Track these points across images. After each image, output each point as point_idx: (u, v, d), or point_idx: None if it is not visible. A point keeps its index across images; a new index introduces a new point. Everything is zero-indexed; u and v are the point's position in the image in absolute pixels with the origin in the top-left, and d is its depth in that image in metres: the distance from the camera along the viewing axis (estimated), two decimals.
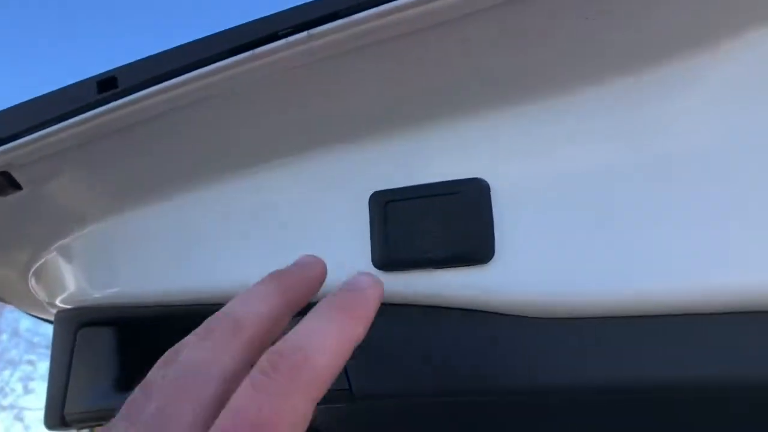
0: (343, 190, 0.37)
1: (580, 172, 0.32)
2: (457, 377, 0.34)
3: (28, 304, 0.61)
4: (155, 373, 0.25)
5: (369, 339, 0.26)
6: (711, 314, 0.29)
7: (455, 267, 0.33)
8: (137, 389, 0.25)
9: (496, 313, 0.33)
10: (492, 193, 0.33)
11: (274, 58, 0.33)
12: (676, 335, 0.30)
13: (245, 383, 0.22)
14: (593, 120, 0.32)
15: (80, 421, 0.47)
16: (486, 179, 0.34)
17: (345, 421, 0.42)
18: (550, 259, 0.32)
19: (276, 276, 0.28)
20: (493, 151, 0.34)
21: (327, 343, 0.23)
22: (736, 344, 0.29)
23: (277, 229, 0.39)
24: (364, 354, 0.29)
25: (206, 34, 0.35)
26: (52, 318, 0.52)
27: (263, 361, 0.23)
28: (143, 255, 0.44)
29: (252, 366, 0.23)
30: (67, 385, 0.47)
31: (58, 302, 0.50)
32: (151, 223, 0.44)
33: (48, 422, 0.48)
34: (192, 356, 0.24)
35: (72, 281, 0.49)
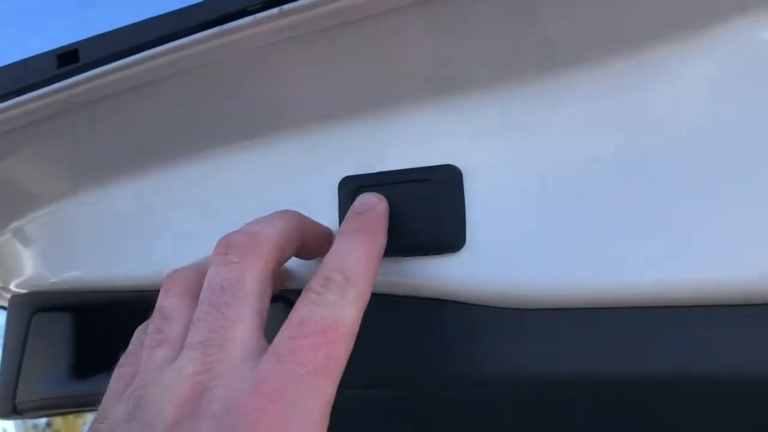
0: (311, 174, 0.36)
1: (557, 159, 0.32)
2: (427, 368, 0.33)
3: None
4: (170, 300, 0.28)
5: None
6: (691, 307, 0.29)
7: (425, 255, 0.33)
8: (157, 318, 0.28)
9: (467, 303, 0.32)
10: (465, 180, 0.33)
11: (243, 35, 0.32)
12: (653, 328, 0.29)
13: (301, 303, 0.26)
14: (573, 106, 0.32)
15: (33, 410, 0.46)
16: (459, 166, 0.33)
17: None
18: (523, 248, 0.31)
19: (282, 209, 0.32)
20: (466, 138, 0.33)
21: (359, 264, 0.27)
22: (717, 337, 0.29)
23: (242, 214, 0.38)
24: None
25: (173, 9, 0.33)
26: (5, 303, 0.51)
27: (313, 284, 0.26)
28: (102, 238, 0.43)
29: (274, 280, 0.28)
30: (20, 372, 0.46)
31: (12, 286, 0.49)
32: (111, 205, 0.42)
33: None
34: (221, 276, 0.27)
35: (27, 265, 0.48)
